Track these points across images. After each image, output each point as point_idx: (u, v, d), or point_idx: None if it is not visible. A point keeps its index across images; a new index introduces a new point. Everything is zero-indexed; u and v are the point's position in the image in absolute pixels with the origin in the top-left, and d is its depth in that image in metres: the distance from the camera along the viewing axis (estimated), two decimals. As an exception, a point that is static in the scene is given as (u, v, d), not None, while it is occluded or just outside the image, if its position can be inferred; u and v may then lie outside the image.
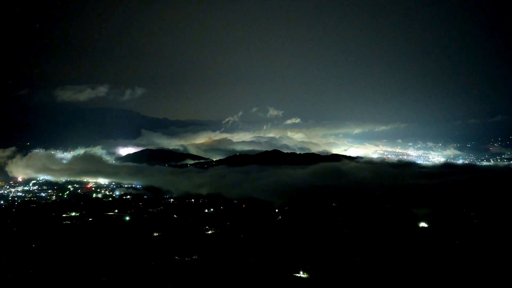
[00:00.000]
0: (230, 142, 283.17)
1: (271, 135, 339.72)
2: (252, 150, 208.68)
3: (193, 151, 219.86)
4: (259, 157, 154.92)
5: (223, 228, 67.37)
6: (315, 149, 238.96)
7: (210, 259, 51.03)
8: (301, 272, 46.61)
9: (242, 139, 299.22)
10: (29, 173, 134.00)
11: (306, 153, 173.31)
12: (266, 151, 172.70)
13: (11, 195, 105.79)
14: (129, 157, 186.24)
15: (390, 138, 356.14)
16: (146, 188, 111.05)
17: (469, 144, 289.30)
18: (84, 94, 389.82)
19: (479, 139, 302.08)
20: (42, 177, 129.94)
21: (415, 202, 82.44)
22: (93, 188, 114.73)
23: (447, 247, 54.39)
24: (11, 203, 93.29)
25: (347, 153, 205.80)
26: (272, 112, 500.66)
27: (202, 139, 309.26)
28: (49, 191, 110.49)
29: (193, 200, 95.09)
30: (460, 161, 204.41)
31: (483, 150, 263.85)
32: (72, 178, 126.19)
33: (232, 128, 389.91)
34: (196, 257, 51.67)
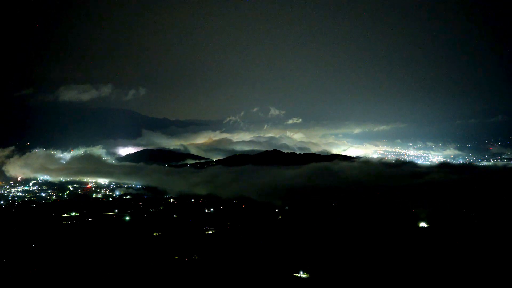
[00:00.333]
0: (230, 142, 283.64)
1: (271, 135, 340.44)
2: (252, 150, 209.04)
3: (193, 151, 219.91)
4: (259, 157, 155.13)
5: (223, 228, 67.36)
6: (314, 149, 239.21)
7: (210, 259, 51.03)
8: (301, 272, 46.63)
9: (242, 139, 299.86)
10: (29, 173, 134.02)
11: (306, 153, 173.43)
12: (266, 151, 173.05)
13: (11, 195, 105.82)
14: (129, 157, 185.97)
15: (390, 138, 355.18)
16: (146, 188, 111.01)
17: (469, 144, 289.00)
18: (86, 94, 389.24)
19: (479, 139, 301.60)
20: (42, 177, 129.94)
21: (415, 202, 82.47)
22: (93, 188, 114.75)
23: (447, 247, 54.45)
24: (11, 203, 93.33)
25: (347, 153, 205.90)
26: (274, 112, 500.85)
27: (202, 139, 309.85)
28: (49, 191, 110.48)
29: (193, 200, 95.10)
30: (460, 161, 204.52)
31: (483, 150, 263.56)
32: (72, 178, 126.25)
33: (232, 128, 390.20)
34: (196, 257, 51.67)
